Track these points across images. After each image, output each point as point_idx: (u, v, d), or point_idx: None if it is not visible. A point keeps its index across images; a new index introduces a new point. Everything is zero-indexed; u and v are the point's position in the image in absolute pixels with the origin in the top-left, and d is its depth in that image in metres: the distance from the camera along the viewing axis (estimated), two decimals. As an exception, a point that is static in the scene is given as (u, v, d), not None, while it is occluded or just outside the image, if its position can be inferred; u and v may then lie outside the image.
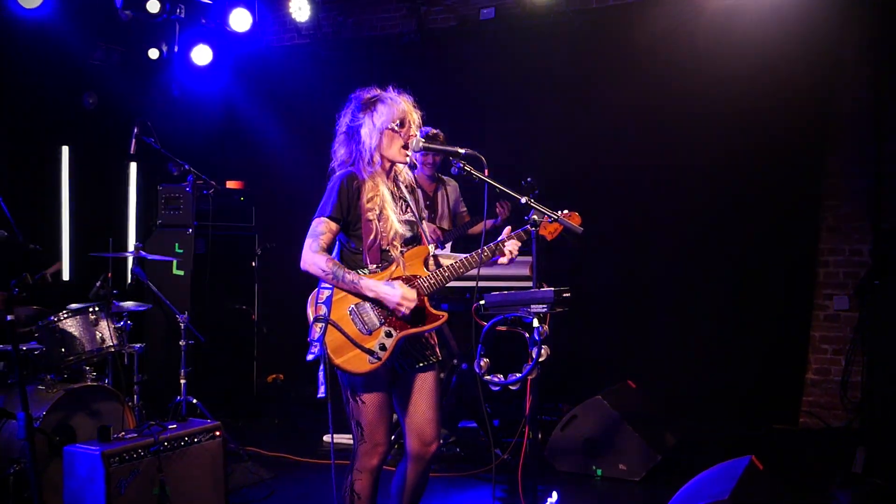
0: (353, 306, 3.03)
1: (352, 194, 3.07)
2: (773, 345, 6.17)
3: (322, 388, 2.92)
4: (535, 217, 2.96)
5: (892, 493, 4.01)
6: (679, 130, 6.36)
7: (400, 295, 2.99)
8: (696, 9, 6.22)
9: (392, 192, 3.16)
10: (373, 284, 3.01)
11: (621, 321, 6.64)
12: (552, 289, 2.80)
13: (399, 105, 3.13)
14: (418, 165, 5.49)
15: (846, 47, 5.99)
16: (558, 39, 6.73)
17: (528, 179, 5.22)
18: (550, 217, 3.00)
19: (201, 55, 7.17)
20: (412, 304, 3.00)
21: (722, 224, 6.30)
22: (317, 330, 2.95)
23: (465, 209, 5.80)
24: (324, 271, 3.02)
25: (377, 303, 3.03)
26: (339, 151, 3.21)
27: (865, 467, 4.53)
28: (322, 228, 3.06)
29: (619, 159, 6.58)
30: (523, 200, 2.97)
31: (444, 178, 5.70)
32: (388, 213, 3.08)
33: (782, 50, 5.96)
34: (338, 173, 3.16)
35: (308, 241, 3.06)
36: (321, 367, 2.93)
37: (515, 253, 3.17)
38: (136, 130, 5.82)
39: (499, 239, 3.17)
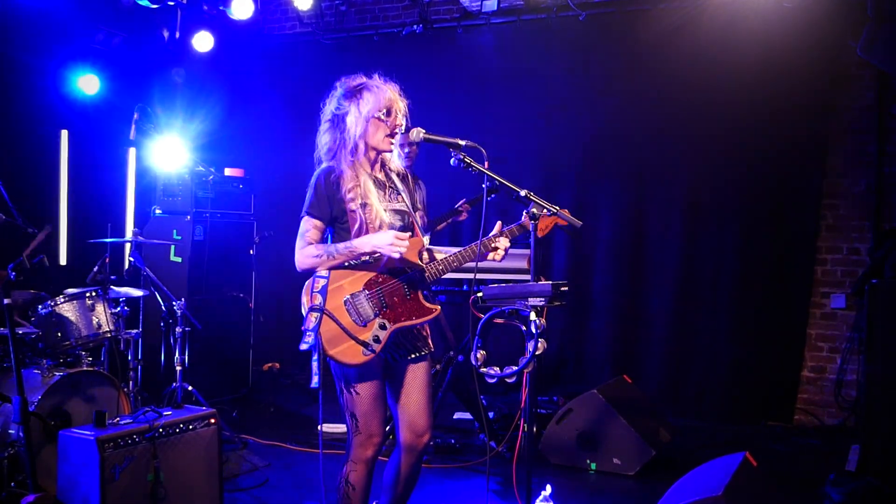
0: (348, 297, 3.01)
1: (331, 188, 3.05)
2: (770, 341, 6.19)
3: (315, 378, 2.90)
4: (535, 210, 2.95)
5: (886, 491, 4.02)
6: (680, 128, 6.38)
7: (392, 235, 2.94)
8: (698, 7, 6.22)
9: (378, 181, 3.14)
10: (365, 239, 2.99)
11: (618, 316, 6.64)
12: (550, 282, 2.80)
13: (385, 93, 3.08)
14: (403, 157, 5.34)
15: (849, 47, 5.98)
16: (561, 33, 6.72)
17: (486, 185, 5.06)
18: (549, 210, 2.99)
19: (202, 42, 7.14)
20: (405, 245, 2.95)
21: (721, 220, 6.31)
22: (311, 320, 2.94)
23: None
24: (317, 256, 3.01)
25: (372, 294, 3.01)
26: (323, 140, 3.16)
27: (859, 465, 4.54)
28: (306, 226, 3.07)
29: (620, 154, 6.60)
30: (522, 193, 2.96)
31: (416, 175, 5.48)
32: (371, 201, 3.05)
33: (784, 49, 5.96)
34: (317, 170, 3.13)
35: (297, 243, 3.07)
36: (315, 357, 2.92)
37: (508, 248, 3.13)
38: (135, 116, 5.80)
39: (491, 234, 3.13)
